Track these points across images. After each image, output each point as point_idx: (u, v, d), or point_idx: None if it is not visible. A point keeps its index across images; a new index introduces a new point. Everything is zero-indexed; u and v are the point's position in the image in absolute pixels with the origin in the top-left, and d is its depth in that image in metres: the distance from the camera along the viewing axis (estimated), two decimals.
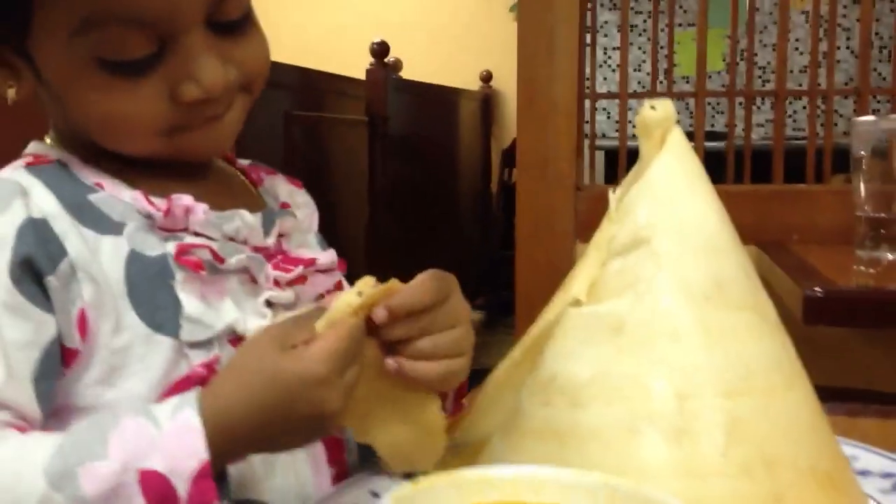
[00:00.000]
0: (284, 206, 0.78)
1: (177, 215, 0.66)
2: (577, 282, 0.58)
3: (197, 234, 0.67)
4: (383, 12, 5.43)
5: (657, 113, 0.58)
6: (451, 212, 4.96)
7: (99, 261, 0.63)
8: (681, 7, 4.53)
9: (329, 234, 0.84)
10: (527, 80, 2.47)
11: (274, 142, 2.90)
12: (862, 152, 2.11)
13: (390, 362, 0.60)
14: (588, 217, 2.54)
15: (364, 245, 3.67)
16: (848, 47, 4.75)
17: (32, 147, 0.71)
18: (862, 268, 1.80)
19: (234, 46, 0.68)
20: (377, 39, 3.84)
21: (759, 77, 4.46)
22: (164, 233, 0.66)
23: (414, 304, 0.60)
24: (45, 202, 0.64)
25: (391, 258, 3.69)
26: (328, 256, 0.75)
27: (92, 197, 0.66)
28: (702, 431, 0.51)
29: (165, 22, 0.63)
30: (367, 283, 0.58)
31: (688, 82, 4.61)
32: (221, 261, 0.67)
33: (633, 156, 2.21)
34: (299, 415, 0.56)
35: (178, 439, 0.55)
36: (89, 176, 0.68)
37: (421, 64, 5.06)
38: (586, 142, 2.68)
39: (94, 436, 0.56)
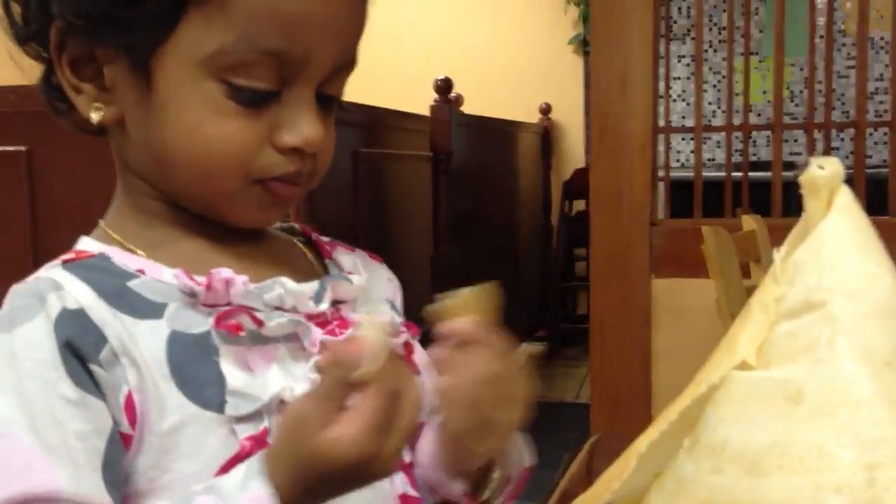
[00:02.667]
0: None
1: (217, 289, 0.66)
2: (743, 344, 0.57)
3: (240, 308, 0.67)
4: (443, 48, 5.48)
5: (825, 172, 0.56)
6: (512, 244, 4.95)
7: (138, 346, 0.63)
8: (742, 36, 4.52)
9: (394, 266, 0.84)
10: (600, 115, 2.46)
11: (343, 179, 2.92)
12: None
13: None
14: (663, 252, 2.52)
15: (429, 277, 3.67)
16: None
17: (79, 243, 0.70)
18: None
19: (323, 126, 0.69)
20: (440, 76, 3.87)
21: (823, 105, 4.41)
22: (207, 309, 0.66)
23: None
24: (79, 293, 0.64)
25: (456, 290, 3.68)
26: (386, 317, 0.74)
27: (131, 283, 0.66)
28: None
29: (297, 65, 0.65)
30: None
31: (750, 111, 4.58)
32: (261, 324, 0.66)
33: (708, 188, 2.20)
34: (355, 486, 0.58)
35: None
36: (130, 264, 0.67)
37: (480, 97, 5.08)
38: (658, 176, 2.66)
39: None
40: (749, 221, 2.17)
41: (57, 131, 0.75)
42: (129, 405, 0.62)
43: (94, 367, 0.61)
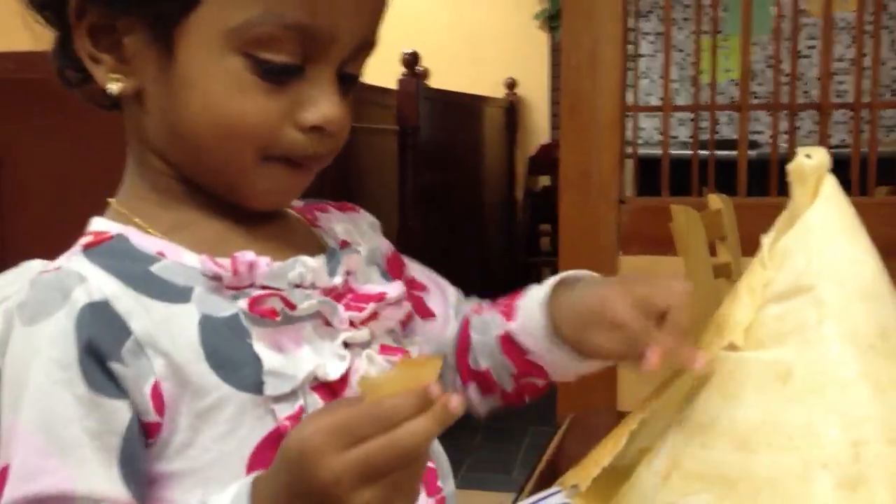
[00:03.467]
0: (344, 244, 0.77)
1: (242, 272, 0.66)
2: (732, 326, 0.59)
3: (264, 288, 0.67)
4: (409, 22, 5.44)
5: (812, 161, 0.59)
6: (477, 218, 4.97)
7: (170, 331, 0.63)
8: (705, 14, 4.55)
9: None
10: (570, 92, 2.47)
11: None
12: None
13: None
14: (631, 230, 2.55)
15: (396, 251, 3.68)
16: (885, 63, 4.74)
17: (94, 224, 0.70)
18: None
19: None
20: (408, 50, 3.87)
21: (786, 85, 4.46)
22: (231, 291, 0.66)
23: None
24: (104, 284, 0.63)
25: (421, 264, 3.71)
26: (396, 289, 0.74)
27: (154, 268, 0.66)
28: (877, 479, 0.52)
29: (321, 41, 0.65)
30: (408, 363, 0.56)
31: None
32: (293, 307, 0.66)
33: (674, 166, 2.20)
34: (301, 489, 0.54)
35: None
36: (150, 246, 0.67)
37: (446, 72, 5.07)
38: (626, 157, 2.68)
39: None
40: (715, 200, 2.20)
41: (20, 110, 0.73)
42: (157, 395, 0.62)
43: (114, 366, 0.61)
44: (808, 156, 0.59)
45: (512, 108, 5.45)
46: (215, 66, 0.64)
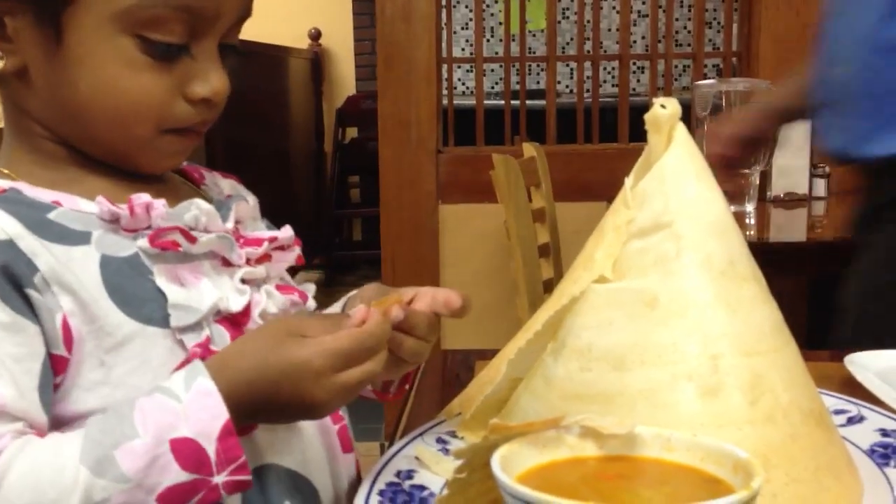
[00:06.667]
0: (230, 197, 0.81)
1: (139, 213, 0.69)
2: (600, 261, 0.65)
3: (172, 227, 0.70)
4: None
5: (667, 111, 0.66)
6: (285, 173, 4.93)
7: (73, 271, 0.65)
8: None
9: None
10: (385, 44, 2.51)
11: None
12: (703, 113, 2.31)
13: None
14: (448, 178, 2.63)
15: None
16: (678, 18, 5.01)
17: None
18: None
19: None
20: None
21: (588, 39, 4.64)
22: (129, 233, 0.69)
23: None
24: (6, 224, 0.65)
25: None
26: (286, 232, 0.80)
27: (51, 215, 0.68)
28: (732, 386, 0.60)
29: (207, 18, 0.68)
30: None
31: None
32: (194, 240, 0.70)
33: (490, 116, 2.30)
34: (284, 399, 0.62)
35: (199, 405, 0.60)
36: (44, 196, 0.69)
37: (247, 22, 4.96)
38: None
39: (118, 421, 0.60)
40: (529, 149, 2.31)
41: None
42: (66, 329, 0.64)
43: (29, 291, 0.63)
44: (662, 106, 0.66)
45: (317, 60, 5.41)
46: (106, 47, 0.67)
